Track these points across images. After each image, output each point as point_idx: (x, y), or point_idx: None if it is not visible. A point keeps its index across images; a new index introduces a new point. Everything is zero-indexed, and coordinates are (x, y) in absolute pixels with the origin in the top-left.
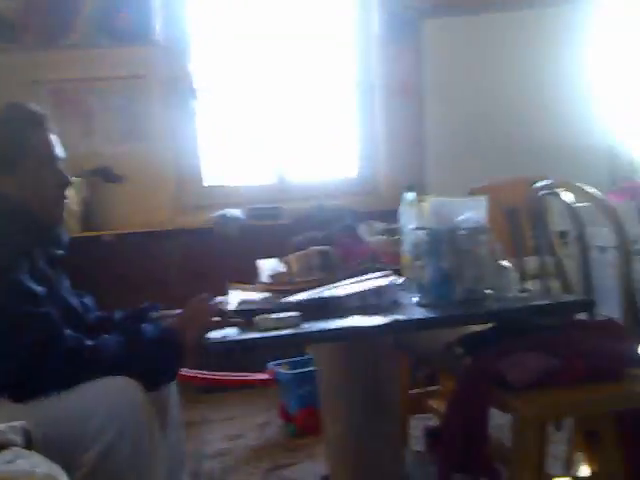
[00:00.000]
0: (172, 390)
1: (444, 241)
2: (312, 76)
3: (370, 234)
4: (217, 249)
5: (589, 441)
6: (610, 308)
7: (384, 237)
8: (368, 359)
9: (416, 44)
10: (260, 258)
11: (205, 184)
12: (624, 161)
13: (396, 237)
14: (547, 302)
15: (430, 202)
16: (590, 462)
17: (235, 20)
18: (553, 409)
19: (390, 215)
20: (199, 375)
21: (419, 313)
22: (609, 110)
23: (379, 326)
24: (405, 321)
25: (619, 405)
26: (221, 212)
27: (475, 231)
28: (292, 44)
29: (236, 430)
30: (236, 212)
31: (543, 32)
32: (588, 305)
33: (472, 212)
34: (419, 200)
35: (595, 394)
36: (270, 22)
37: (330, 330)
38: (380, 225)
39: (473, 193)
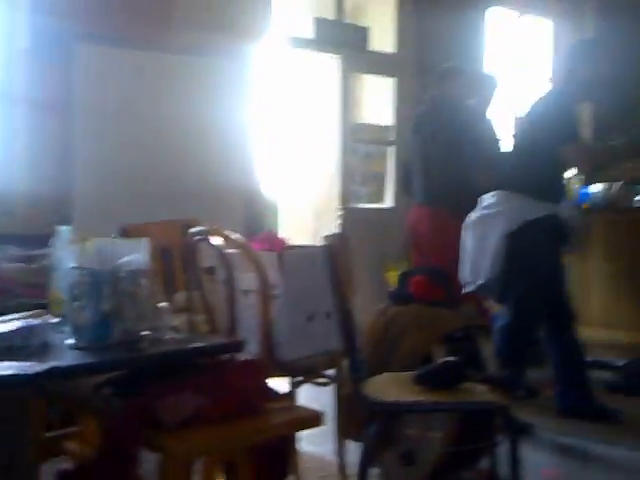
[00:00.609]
0: None
1: (105, 282)
2: None
3: (4, 261)
4: None
5: (226, 471)
6: (251, 346)
7: (22, 265)
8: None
9: (67, 68)
10: None
11: None
12: (264, 209)
13: (37, 265)
14: (203, 344)
15: (92, 243)
16: None
17: None
18: (202, 446)
19: (29, 240)
20: None
21: (75, 357)
22: (255, 159)
23: (33, 375)
24: (64, 368)
25: (260, 437)
26: None
27: (136, 273)
28: None
29: None
30: None
31: (201, 79)
32: (239, 346)
33: (134, 254)
34: (81, 239)
35: (239, 429)
36: None
37: None
38: (16, 251)
39: (126, 231)
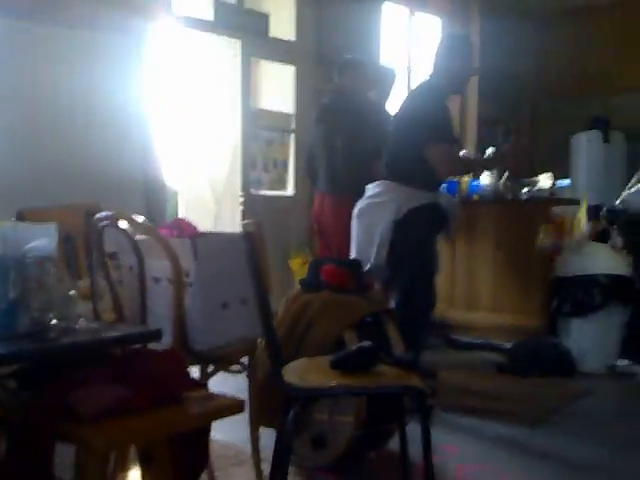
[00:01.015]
0: None
1: (11, 269)
2: None
3: None
4: None
5: (143, 460)
6: (163, 335)
7: None
8: None
9: None
10: None
11: None
12: (164, 194)
13: None
14: (119, 333)
15: None
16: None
17: None
18: (122, 437)
19: None
20: None
21: None
22: (153, 142)
23: None
24: None
25: (181, 427)
26: None
27: (44, 260)
28: None
29: None
30: None
31: (96, 55)
32: (156, 335)
33: (41, 240)
34: None
35: (160, 419)
36: None
37: None
38: None
39: (23, 215)
